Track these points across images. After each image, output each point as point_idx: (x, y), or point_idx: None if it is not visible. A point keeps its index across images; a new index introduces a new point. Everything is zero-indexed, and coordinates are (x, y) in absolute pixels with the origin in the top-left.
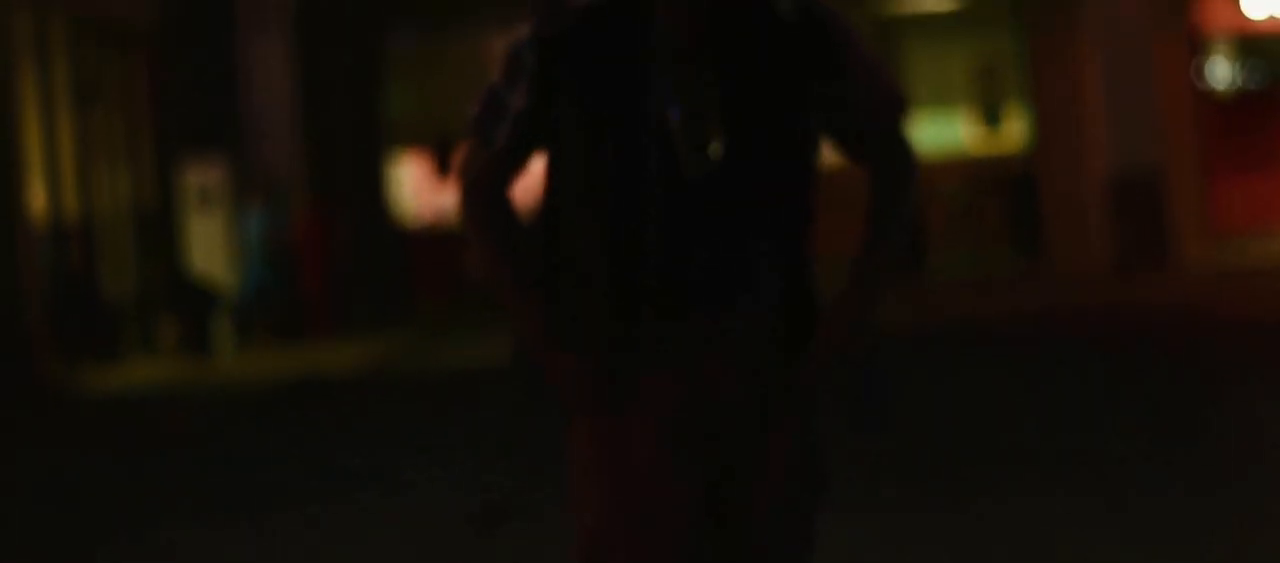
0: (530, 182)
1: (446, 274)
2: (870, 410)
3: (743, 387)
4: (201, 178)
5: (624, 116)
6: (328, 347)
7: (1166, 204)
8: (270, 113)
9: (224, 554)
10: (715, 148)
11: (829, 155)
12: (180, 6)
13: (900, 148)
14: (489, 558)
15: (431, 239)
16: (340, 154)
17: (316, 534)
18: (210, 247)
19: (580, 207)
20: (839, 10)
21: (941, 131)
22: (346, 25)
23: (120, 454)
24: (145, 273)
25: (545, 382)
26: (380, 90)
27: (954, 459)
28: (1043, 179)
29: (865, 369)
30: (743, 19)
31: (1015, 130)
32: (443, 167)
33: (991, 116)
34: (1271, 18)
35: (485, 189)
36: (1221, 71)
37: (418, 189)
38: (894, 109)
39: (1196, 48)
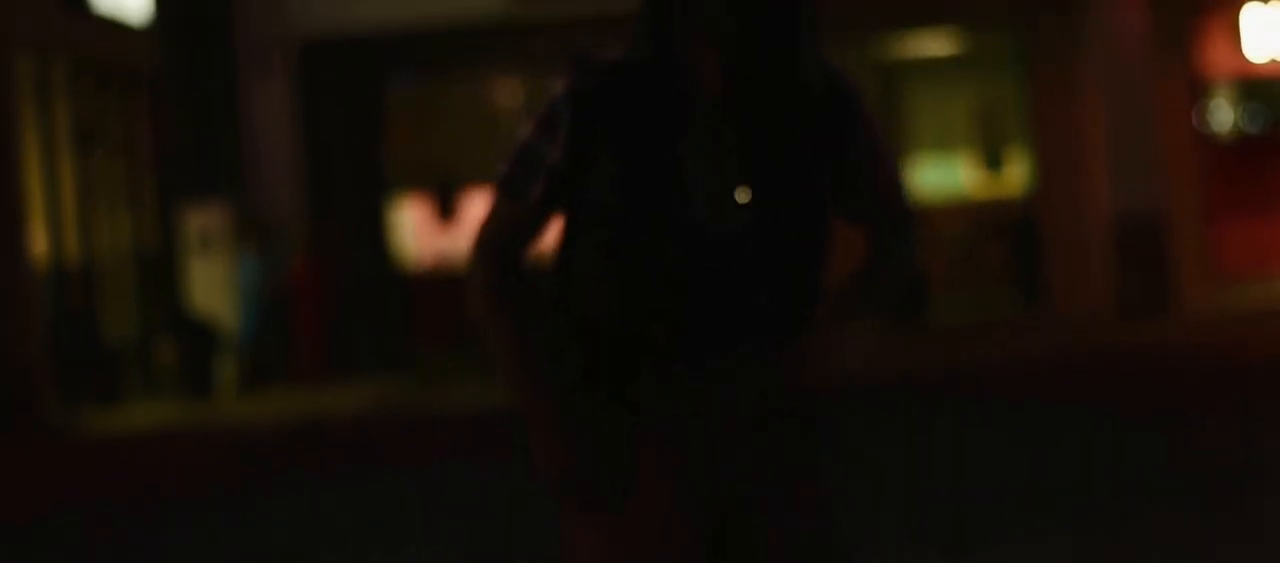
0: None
1: (447, 318)
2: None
3: (757, 438)
4: (202, 221)
5: (653, 171)
6: (328, 390)
7: (1168, 248)
8: (271, 156)
9: None
10: (741, 202)
11: None
12: (181, 51)
13: (903, 223)
14: None
15: (432, 283)
16: (341, 198)
17: None
18: (211, 290)
19: (602, 261)
20: (852, 75)
21: (942, 175)
22: (347, 69)
23: (117, 497)
24: (146, 315)
25: (542, 475)
26: (381, 134)
27: (955, 508)
28: (1044, 223)
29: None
30: (771, 81)
31: (1016, 174)
32: (444, 210)
33: (993, 160)
34: (1273, 61)
35: (505, 253)
36: (1223, 115)
37: (418, 233)
38: (899, 191)
39: (1198, 91)
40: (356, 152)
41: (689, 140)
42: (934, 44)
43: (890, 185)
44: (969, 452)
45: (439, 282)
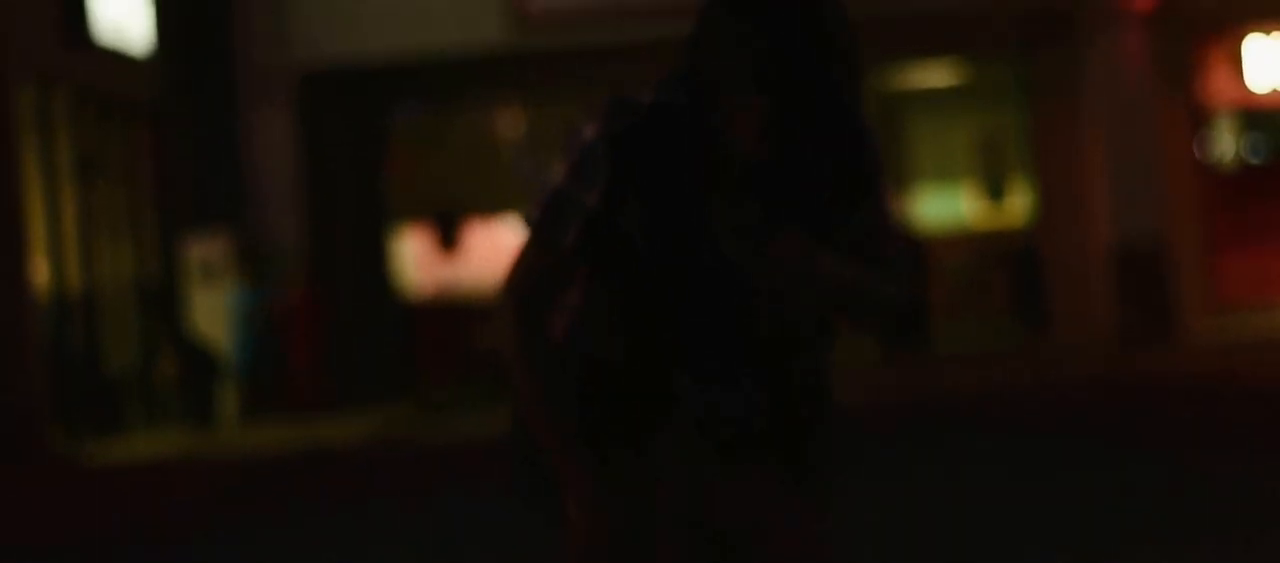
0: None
1: (449, 348)
2: None
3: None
4: (204, 251)
5: (683, 220)
6: (331, 420)
7: (1170, 278)
8: (273, 186)
9: None
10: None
11: None
12: (182, 80)
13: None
14: None
15: (434, 312)
16: (343, 227)
17: None
18: (213, 320)
19: (622, 306)
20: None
21: (945, 206)
22: (349, 99)
23: (119, 526)
24: (148, 339)
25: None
26: (383, 164)
27: (955, 537)
28: (1046, 253)
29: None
30: (805, 126)
31: (1018, 204)
32: (446, 240)
33: (994, 190)
34: (1275, 91)
35: (538, 305)
36: (1225, 145)
37: (420, 262)
38: (899, 248)
39: (1199, 121)
40: (359, 181)
41: (720, 191)
42: (936, 75)
43: (892, 243)
44: (969, 481)
45: (441, 311)
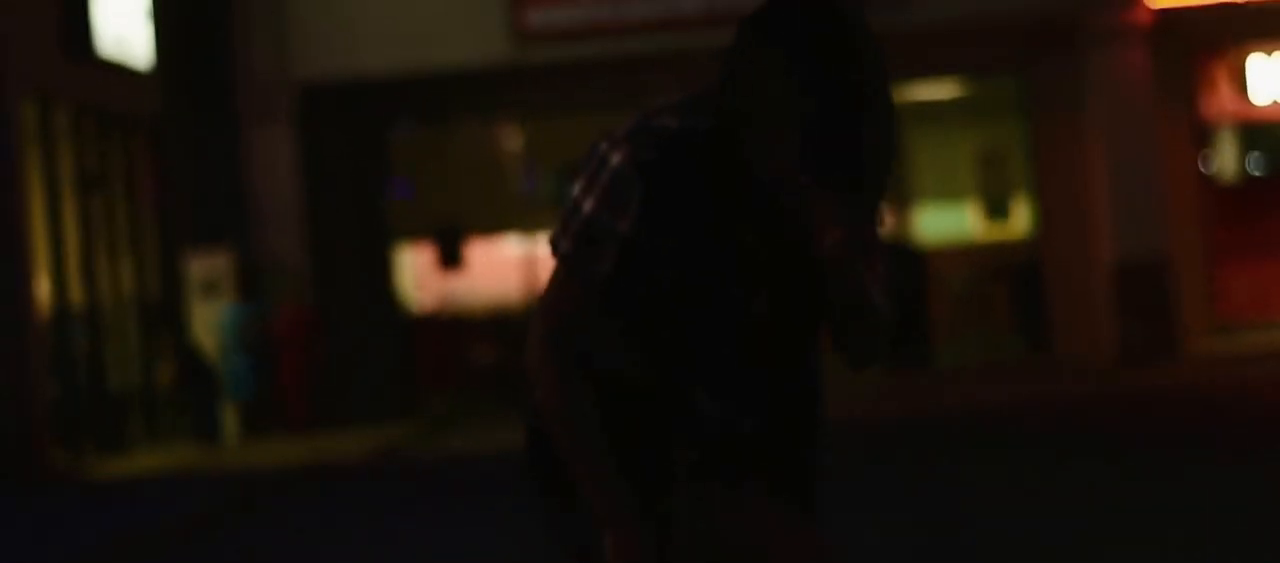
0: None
1: (449, 363)
2: None
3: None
4: (205, 267)
5: (712, 248)
6: (333, 437)
7: (1172, 293)
8: (273, 202)
9: None
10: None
11: None
12: (183, 96)
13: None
14: None
15: (434, 327)
16: (343, 243)
17: None
18: (214, 336)
19: (645, 333)
20: None
21: (947, 220)
22: (350, 115)
23: (120, 542)
24: (152, 360)
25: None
26: (383, 180)
27: (954, 551)
28: (1048, 267)
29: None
30: (845, 167)
31: (1020, 219)
32: (446, 256)
33: (996, 205)
34: (1277, 105)
35: (574, 339)
36: (1227, 159)
37: (420, 279)
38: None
39: (1202, 136)
40: (358, 196)
41: (750, 220)
42: (938, 90)
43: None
44: (968, 495)
45: (441, 326)
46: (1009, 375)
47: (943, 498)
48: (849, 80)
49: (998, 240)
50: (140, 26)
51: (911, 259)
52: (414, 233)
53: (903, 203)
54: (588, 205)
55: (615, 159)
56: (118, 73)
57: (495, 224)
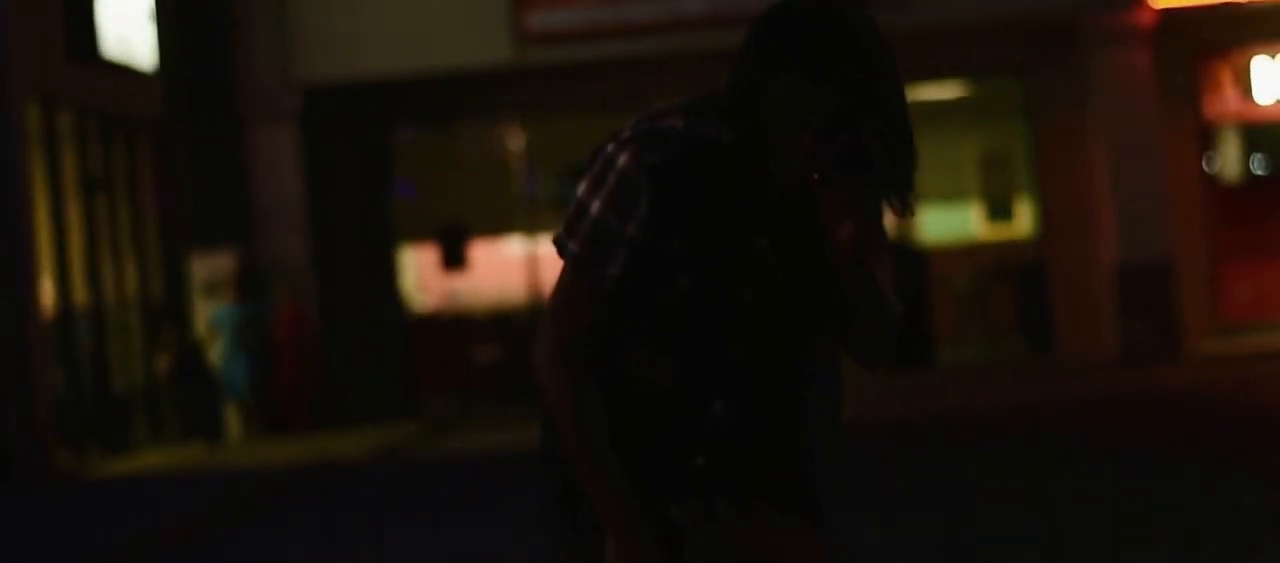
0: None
1: (452, 364)
2: None
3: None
4: (208, 269)
5: (725, 254)
6: (334, 436)
7: (1175, 294)
8: (277, 203)
9: None
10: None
11: None
12: (187, 98)
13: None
14: None
15: (437, 328)
16: (346, 244)
17: None
18: (211, 336)
19: (660, 338)
20: None
21: (950, 220)
22: (353, 116)
23: (124, 542)
24: (155, 361)
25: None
26: (386, 181)
27: (957, 550)
28: (1051, 268)
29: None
30: (862, 175)
31: (1023, 219)
32: (449, 257)
33: (999, 206)
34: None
35: (586, 343)
36: (1230, 160)
37: (423, 279)
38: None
39: (1205, 136)
40: (361, 198)
41: (765, 229)
42: (941, 91)
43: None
44: (971, 496)
45: (443, 327)
46: (1011, 376)
47: (944, 498)
48: (856, 77)
49: (1000, 241)
50: (143, 29)
51: (914, 260)
52: (417, 233)
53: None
54: (595, 207)
55: (622, 161)
56: (121, 75)
57: (498, 225)
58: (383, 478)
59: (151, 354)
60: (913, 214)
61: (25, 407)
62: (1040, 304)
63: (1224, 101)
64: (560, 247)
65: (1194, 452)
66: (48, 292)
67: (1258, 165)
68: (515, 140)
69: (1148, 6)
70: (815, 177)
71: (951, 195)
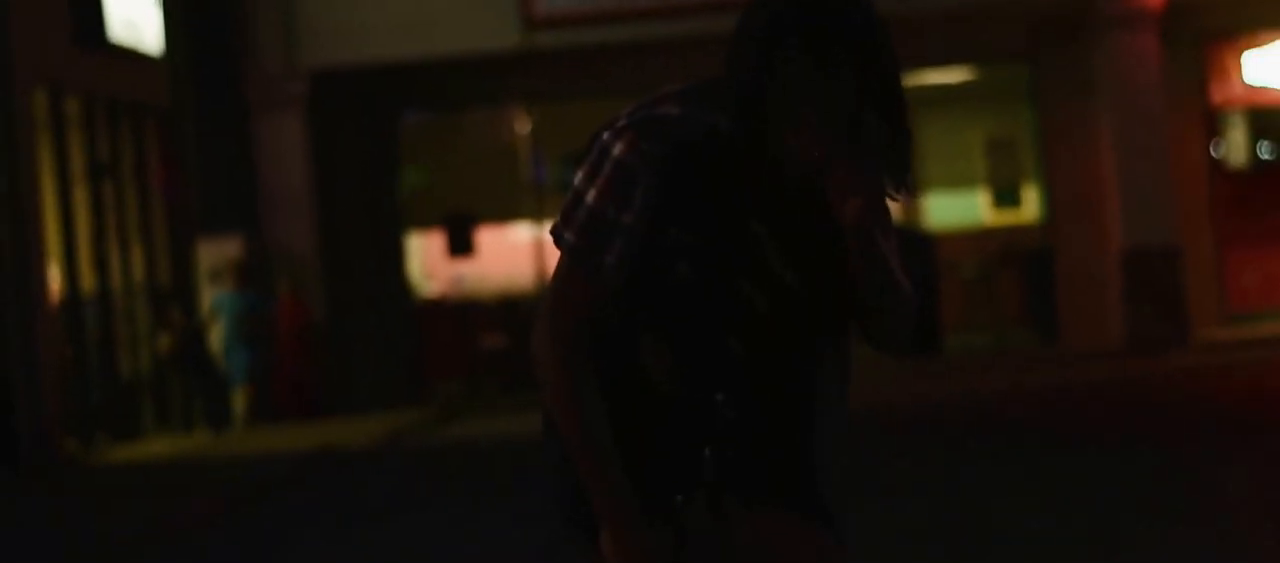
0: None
1: (459, 351)
2: None
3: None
4: (215, 256)
5: (726, 246)
6: (341, 423)
7: (1181, 281)
8: (284, 190)
9: None
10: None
11: None
12: (193, 84)
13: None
14: None
15: (443, 315)
16: (353, 230)
17: None
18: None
19: (661, 331)
20: None
21: (956, 206)
22: (360, 102)
23: (132, 530)
24: (157, 340)
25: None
26: (393, 168)
27: (958, 537)
28: (1058, 255)
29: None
30: (870, 167)
31: (1030, 206)
32: (456, 243)
33: (1006, 192)
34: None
35: (585, 333)
36: (1237, 146)
37: (430, 266)
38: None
39: (1212, 123)
40: (368, 184)
41: (764, 219)
42: (947, 77)
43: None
44: (979, 484)
45: (450, 313)
46: (1017, 363)
47: (950, 486)
48: (857, 59)
49: (1007, 227)
50: (150, 14)
51: (921, 245)
52: (423, 220)
53: (912, 189)
54: (591, 196)
55: (618, 149)
56: (128, 61)
57: (505, 211)
58: (389, 465)
59: (155, 334)
60: (911, 194)
61: (32, 394)
62: (1046, 291)
63: (1231, 87)
64: (557, 236)
65: (1201, 439)
66: (55, 278)
67: (1265, 151)
68: (522, 126)
69: None
70: (819, 156)
71: (958, 181)
